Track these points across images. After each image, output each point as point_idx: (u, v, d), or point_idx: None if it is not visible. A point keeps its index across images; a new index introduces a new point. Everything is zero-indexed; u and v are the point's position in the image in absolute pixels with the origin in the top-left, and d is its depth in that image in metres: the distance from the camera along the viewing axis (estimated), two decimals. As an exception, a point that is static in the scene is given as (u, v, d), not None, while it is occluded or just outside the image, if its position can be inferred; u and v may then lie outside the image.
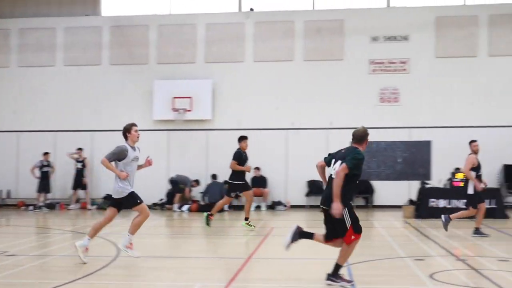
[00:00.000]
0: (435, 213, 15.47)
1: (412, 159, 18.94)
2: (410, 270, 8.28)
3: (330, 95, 19.25)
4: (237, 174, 12.95)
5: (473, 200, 12.01)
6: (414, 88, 18.95)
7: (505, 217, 15.47)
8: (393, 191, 18.71)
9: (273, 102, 19.45)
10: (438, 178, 17.31)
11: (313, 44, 19.45)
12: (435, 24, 18.99)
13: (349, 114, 19.04)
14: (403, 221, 15.10)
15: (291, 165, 19.22)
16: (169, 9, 20.51)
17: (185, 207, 18.26)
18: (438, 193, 15.93)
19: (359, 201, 19.03)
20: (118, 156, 8.72)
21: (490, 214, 15.32)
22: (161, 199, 19.14)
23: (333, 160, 7.37)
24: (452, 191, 15.84)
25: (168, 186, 19.07)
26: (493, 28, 18.79)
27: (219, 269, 8.52)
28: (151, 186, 19.15)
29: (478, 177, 12.00)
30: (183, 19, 20.14)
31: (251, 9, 19.92)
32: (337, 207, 6.90)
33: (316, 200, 18.63)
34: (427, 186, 16.67)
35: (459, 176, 16.00)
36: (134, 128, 8.93)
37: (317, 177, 19.42)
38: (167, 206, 18.75)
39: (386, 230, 13.39)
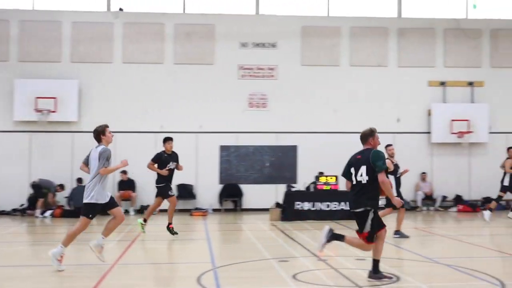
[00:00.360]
0: (300, 215, 16.08)
1: (279, 163, 19.50)
2: (275, 271, 8.50)
3: (200, 99, 19.31)
4: (160, 176, 12.59)
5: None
6: (282, 94, 19.52)
7: (364, 218, 16.32)
8: (261, 195, 19.11)
9: (142, 104, 19.16)
10: (304, 181, 17.94)
11: (183, 48, 19.42)
12: (301, 33, 19.71)
13: (218, 118, 19.24)
14: (270, 223, 15.47)
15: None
16: (32, 4, 19.50)
17: (48, 213, 17.43)
18: (303, 196, 16.50)
19: (228, 204, 19.27)
20: (109, 159, 8.52)
21: (350, 215, 16.13)
22: (21, 205, 18.13)
23: (352, 169, 7.78)
24: (316, 194, 16.50)
25: (30, 191, 18.09)
26: (354, 39, 19.86)
27: (81, 277, 8.21)
28: (11, 191, 18.19)
29: (398, 179, 12.50)
30: (47, 15, 19.23)
31: (120, 9, 19.48)
32: (397, 202, 7.91)
33: (186, 204, 18.73)
34: (293, 189, 17.21)
35: (323, 179, 16.73)
36: (108, 129, 8.73)
37: (187, 180, 19.48)
38: (28, 211, 17.79)
39: (253, 232, 13.65)
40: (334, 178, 16.69)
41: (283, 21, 19.74)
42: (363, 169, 7.63)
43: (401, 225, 12.56)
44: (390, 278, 7.73)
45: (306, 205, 16.28)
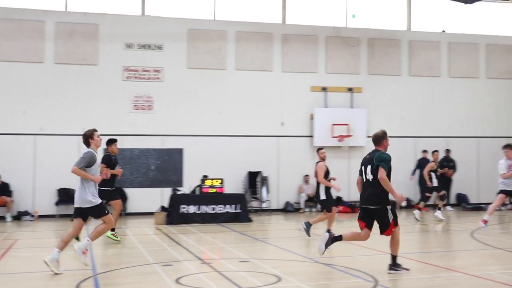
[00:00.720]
0: (185, 219, 16.03)
1: (165, 166, 19.32)
2: (158, 276, 8.42)
3: (83, 101, 18.70)
4: (105, 180, 11.71)
5: (327, 204, 12.71)
6: (168, 97, 19.37)
7: (249, 220, 16.60)
8: (146, 198, 18.85)
9: (20, 105, 18.24)
10: (189, 184, 17.92)
11: (65, 47, 18.70)
12: (187, 35, 19.66)
13: (102, 120, 18.67)
14: (154, 227, 15.29)
15: (39, 172, 18.22)
16: None
17: None
18: (188, 199, 16.47)
19: (112, 208, 18.76)
20: (88, 162, 8.72)
21: (235, 218, 16.37)
22: None
23: (363, 167, 8.50)
24: (202, 197, 16.52)
25: None
26: (240, 43, 20.12)
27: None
28: None
29: (328, 182, 12.72)
30: None
31: (-4, 5, 18.47)
32: (399, 197, 8.24)
33: (67, 209, 18.03)
34: (179, 192, 17.13)
35: (208, 182, 16.80)
36: (96, 133, 9.05)
37: (68, 185, 18.76)
38: None
39: (137, 237, 13.43)
40: (219, 181, 16.81)
41: (169, 23, 19.59)
42: (369, 168, 8.40)
43: (316, 223, 12.89)
44: (407, 270, 8.45)
45: (192, 208, 16.27)
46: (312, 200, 20.13)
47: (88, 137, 9.00)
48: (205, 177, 17.16)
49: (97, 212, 8.91)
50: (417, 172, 20.34)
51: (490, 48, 22.38)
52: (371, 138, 8.86)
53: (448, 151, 20.76)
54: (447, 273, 8.51)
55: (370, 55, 21.21)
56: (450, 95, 21.94)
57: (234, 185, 19.13)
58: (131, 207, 18.90)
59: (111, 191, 12.25)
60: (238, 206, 16.59)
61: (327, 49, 20.86)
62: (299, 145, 20.48)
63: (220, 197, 16.60)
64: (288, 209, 19.96)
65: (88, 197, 8.75)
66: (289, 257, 10.23)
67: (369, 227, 8.51)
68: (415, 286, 7.86)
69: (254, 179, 19.53)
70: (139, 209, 18.76)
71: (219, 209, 16.43)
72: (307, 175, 20.22)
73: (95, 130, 9.10)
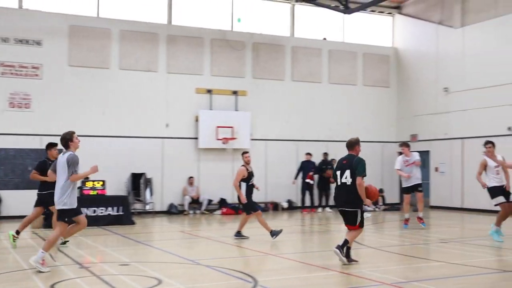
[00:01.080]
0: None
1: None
2: (31, 282, 8.06)
3: (-48, 97, 17.53)
4: (43, 184, 11.45)
5: (248, 206, 12.56)
6: (47, 95, 18.59)
7: (132, 223, 16.31)
8: (23, 201, 17.88)
9: None
10: (69, 186, 17.27)
11: None
12: (68, 32, 18.98)
13: (-26, 118, 17.65)
14: (31, 232, 14.61)
15: None
16: None
17: None
18: (68, 201, 15.87)
19: (-17, 212, 17.76)
20: (78, 164, 8.94)
21: (118, 220, 16.03)
22: None
23: (339, 172, 9.21)
24: (82, 199, 15.94)
25: None
26: (124, 42, 19.72)
27: None
28: None
29: (250, 186, 12.54)
30: None
31: None
32: (369, 202, 9.19)
33: None
34: (57, 194, 16.46)
35: (89, 184, 16.33)
36: (75, 135, 9.12)
37: None
38: None
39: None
40: (101, 182, 16.40)
41: (49, 18, 18.81)
42: (347, 172, 9.06)
43: (243, 227, 12.86)
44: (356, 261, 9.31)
45: (73, 211, 15.68)
46: (196, 202, 20.16)
47: (68, 140, 9.05)
48: (86, 179, 16.65)
49: (68, 214, 9.02)
50: (300, 175, 20.93)
51: (367, 57, 23.57)
52: (345, 144, 9.48)
53: (326, 154, 21.44)
54: (323, 272, 8.85)
55: (254, 59, 21.59)
56: (330, 101, 22.82)
57: (117, 186, 18.72)
58: (6, 210, 17.95)
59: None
60: (121, 208, 16.26)
61: (213, 51, 20.98)
62: (184, 147, 20.43)
63: (101, 199, 16.19)
64: (172, 211, 19.84)
65: (66, 200, 8.91)
66: (171, 260, 10.19)
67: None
68: (293, 285, 8.10)
69: (138, 181, 19.22)
70: (15, 212, 17.79)
71: (101, 211, 16.02)
72: (191, 177, 20.22)
73: (73, 132, 9.12)
